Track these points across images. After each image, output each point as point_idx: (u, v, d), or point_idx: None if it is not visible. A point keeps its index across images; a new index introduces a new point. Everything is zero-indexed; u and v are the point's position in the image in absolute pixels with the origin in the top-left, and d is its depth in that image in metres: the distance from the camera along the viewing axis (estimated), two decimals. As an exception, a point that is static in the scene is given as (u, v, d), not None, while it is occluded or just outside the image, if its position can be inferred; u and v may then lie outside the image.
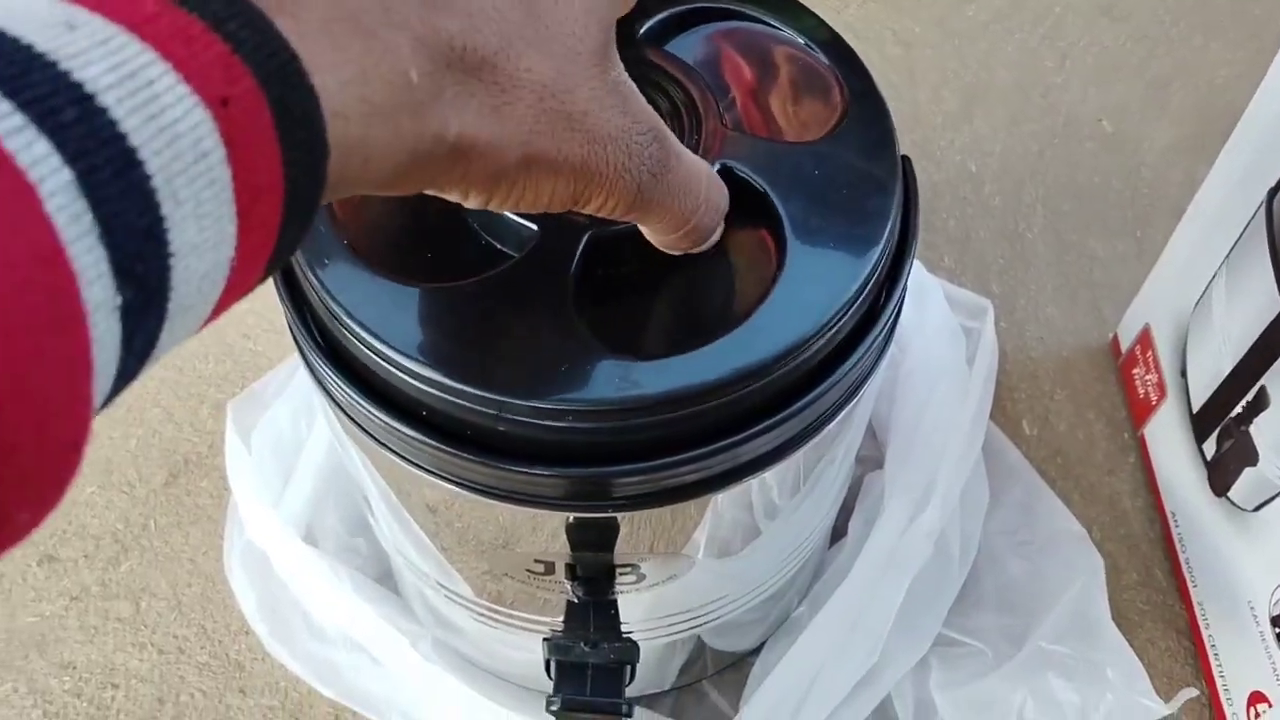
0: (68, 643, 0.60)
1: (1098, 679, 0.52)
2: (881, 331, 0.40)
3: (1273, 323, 0.51)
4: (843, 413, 0.41)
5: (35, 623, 0.60)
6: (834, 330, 0.37)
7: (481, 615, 0.52)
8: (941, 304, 0.65)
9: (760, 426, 0.37)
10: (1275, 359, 0.51)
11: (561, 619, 0.48)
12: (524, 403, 0.35)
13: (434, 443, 0.37)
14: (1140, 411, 0.66)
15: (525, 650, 0.53)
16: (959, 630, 0.58)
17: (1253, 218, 0.53)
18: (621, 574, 0.44)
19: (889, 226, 0.39)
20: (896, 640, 0.56)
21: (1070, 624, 0.56)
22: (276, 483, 0.61)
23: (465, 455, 0.37)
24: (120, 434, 0.67)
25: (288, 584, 0.60)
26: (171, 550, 0.63)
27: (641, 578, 0.44)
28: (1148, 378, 0.65)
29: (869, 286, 0.38)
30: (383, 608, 0.58)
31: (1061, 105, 0.83)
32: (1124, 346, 0.68)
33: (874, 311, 0.40)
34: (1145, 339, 0.65)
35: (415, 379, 0.36)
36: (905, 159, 0.42)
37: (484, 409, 0.35)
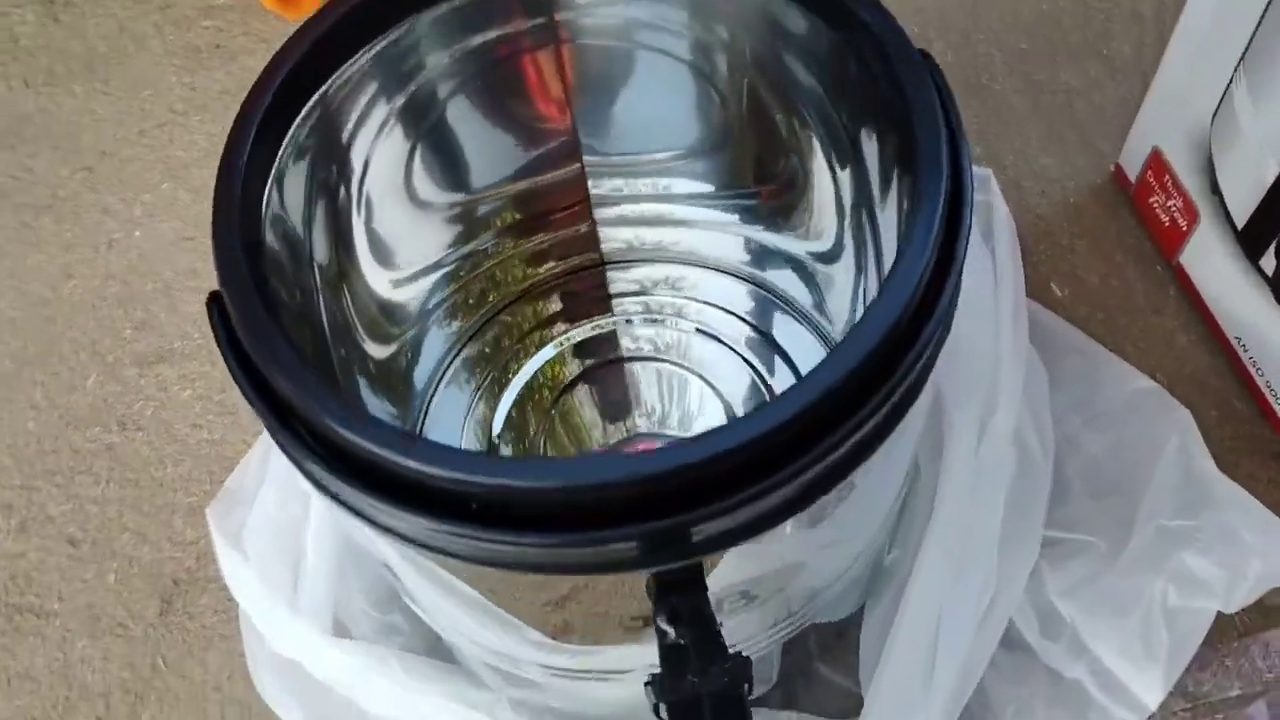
0: (110, 823, 0.53)
1: (1235, 545, 0.48)
2: (953, 280, 0.34)
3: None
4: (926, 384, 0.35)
5: (66, 811, 0.53)
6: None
7: (559, 673, 0.46)
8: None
9: (856, 416, 0.31)
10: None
11: (656, 656, 0.42)
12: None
13: (478, 532, 0.31)
14: (1169, 240, 0.61)
15: (620, 687, 0.48)
16: (1057, 527, 0.53)
17: (1268, 8, 0.48)
18: (730, 603, 0.38)
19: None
20: (1002, 558, 0.51)
21: (1179, 491, 0.51)
22: (286, 580, 0.54)
23: (516, 538, 0.30)
24: (93, 574, 0.59)
25: (332, 687, 0.53)
26: (192, 685, 0.56)
27: (751, 600, 0.39)
28: (1170, 204, 0.60)
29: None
30: (444, 684, 0.51)
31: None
32: (1131, 176, 0.63)
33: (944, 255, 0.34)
34: (1157, 163, 0.60)
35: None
36: (926, 56, 0.37)
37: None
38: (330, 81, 0.42)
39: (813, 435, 0.30)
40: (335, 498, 0.33)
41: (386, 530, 0.33)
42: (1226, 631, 0.53)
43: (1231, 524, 0.48)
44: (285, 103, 0.39)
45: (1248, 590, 0.47)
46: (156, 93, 0.76)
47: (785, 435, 0.29)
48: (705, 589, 0.36)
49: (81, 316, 0.67)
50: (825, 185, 0.50)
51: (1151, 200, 0.61)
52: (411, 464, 0.29)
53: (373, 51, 0.43)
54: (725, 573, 0.36)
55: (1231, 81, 0.52)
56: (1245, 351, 0.57)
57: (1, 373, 0.66)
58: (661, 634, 0.39)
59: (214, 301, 0.33)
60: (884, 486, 0.42)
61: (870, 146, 0.44)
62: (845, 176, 0.48)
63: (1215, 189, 0.55)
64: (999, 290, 0.56)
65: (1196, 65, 0.54)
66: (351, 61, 0.42)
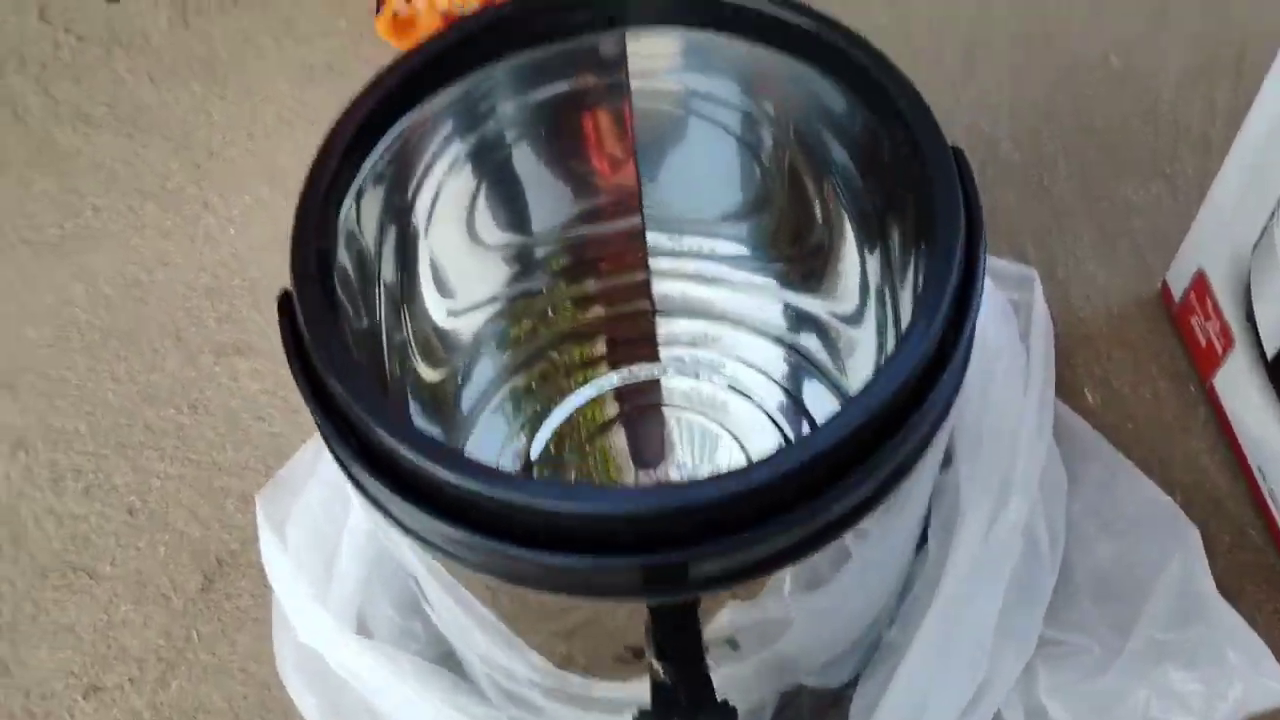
0: (128, 777, 0.57)
1: (1220, 665, 0.49)
2: (959, 359, 0.37)
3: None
4: (930, 447, 0.38)
5: (91, 760, 0.57)
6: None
7: (558, 698, 0.48)
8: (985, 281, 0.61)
9: (852, 478, 0.34)
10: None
11: (648, 690, 0.45)
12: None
13: (495, 544, 0.34)
14: (1205, 361, 0.62)
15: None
16: (1058, 627, 0.55)
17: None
18: (715, 648, 0.40)
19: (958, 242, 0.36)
20: (998, 648, 0.53)
21: (1176, 606, 0.52)
22: (319, 574, 0.58)
23: (530, 554, 0.34)
24: (146, 543, 0.63)
25: (348, 681, 0.56)
26: (220, 661, 0.60)
27: (735, 649, 0.41)
28: (1208, 325, 0.61)
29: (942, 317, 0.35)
30: (451, 695, 0.54)
31: (1065, 46, 0.79)
32: (1176, 294, 0.65)
33: (951, 334, 0.36)
34: (1200, 285, 0.61)
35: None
36: (958, 152, 0.39)
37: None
38: (412, 114, 0.45)
39: (813, 489, 0.33)
40: (367, 494, 0.36)
41: (403, 527, 0.36)
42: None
43: (1219, 643, 0.49)
44: (372, 128, 0.43)
45: (1226, 712, 0.48)
46: (268, 101, 0.81)
47: (787, 486, 0.32)
48: (698, 629, 0.39)
49: (170, 302, 0.72)
50: (852, 255, 0.52)
51: (1192, 320, 0.63)
52: (429, 468, 0.33)
53: (454, 91, 0.47)
54: (716, 617, 0.38)
55: (1275, 211, 0.53)
56: (1264, 481, 0.58)
57: (89, 344, 0.71)
58: (652, 670, 0.42)
59: (284, 300, 0.37)
60: (874, 563, 0.44)
61: (895, 224, 0.46)
62: (871, 249, 0.50)
63: (1250, 317, 0.57)
64: (1029, 387, 0.58)
65: (1246, 190, 0.56)
66: (433, 98, 0.46)
